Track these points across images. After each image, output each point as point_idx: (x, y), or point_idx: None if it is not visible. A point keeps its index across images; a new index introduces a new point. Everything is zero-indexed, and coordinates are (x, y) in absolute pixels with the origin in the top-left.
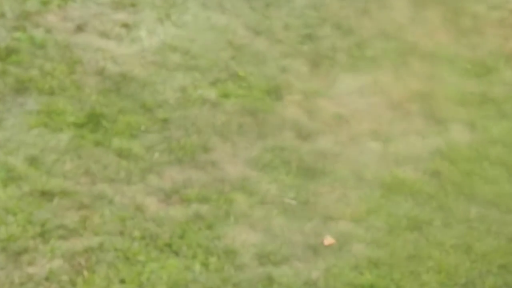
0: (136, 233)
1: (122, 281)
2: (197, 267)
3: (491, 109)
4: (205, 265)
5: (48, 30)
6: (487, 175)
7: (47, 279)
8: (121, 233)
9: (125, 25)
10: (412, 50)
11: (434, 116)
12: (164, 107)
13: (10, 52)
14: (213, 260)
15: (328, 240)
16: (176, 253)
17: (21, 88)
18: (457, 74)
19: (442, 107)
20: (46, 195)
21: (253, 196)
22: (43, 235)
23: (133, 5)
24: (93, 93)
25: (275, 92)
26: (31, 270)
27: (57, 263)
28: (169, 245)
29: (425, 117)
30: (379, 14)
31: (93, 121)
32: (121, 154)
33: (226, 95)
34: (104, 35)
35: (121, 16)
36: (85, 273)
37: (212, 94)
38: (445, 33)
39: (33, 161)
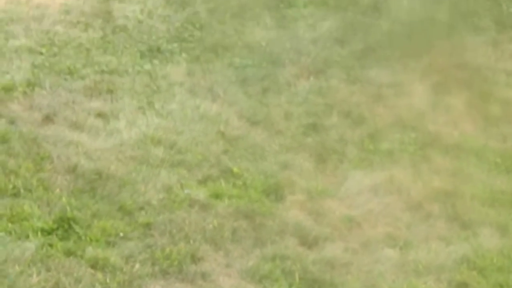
0: None
1: None
2: None
3: None
4: None
5: (12, 121)
6: None
7: None
8: None
9: (101, 115)
10: (434, 142)
11: (460, 219)
12: (146, 210)
13: None
14: None
15: None
16: None
17: None
18: (486, 170)
19: (469, 208)
20: None
21: None
22: None
23: (110, 91)
24: (64, 194)
25: (275, 192)
26: None
27: None
28: None
29: (449, 219)
30: (395, 101)
31: (63, 226)
32: (96, 265)
33: (218, 196)
34: (76, 126)
35: (96, 104)
36: None
37: (201, 194)
38: (471, 122)
39: None
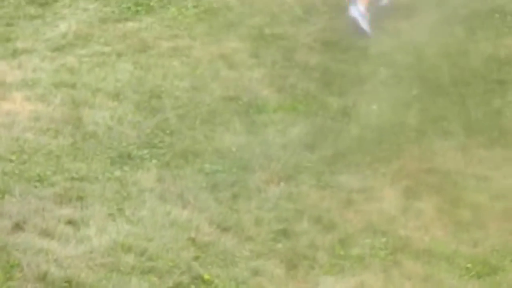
0: None
1: None
2: None
3: None
4: None
5: None
6: None
7: None
8: None
9: (71, 222)
10: (404, 246)
11: None
12: None
13: None
14: None
15: None
16: None
17: None
18: (457, 275)
19: None
20: None
21: None
22: None
23: (80, 198)
24: None
25: None
26: None
27: None
28: None
29: None
30: (365, 206)
31: None
32: None
33: None
34: (46, 234)
35: (66, 211)
36: None
37: None
38: (441, 227)
39: None
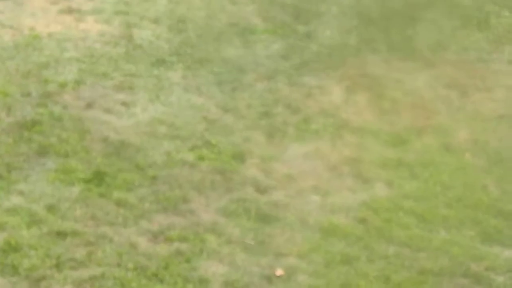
0: (130, 265)
1: None
2: None
3: (405, 171)
4: None
5: (65, 107)
6: (401, 222)
7: None
8: (119, 265)
9: (124, 103)
10: (345, 125)
11: (362, 176)
12: (153, 167)
13: (34, 123)
14: (189, 286)
15: (279, 272)
16: (161, 281)
17: (42, 152)
18: (379, 144)
19: (368, 169)
20: (61, 234)
21: (222, 237)
22: (58, 266)
23: (130, 88)
24: (99, 156)
25: (239, 157)
26: None
27: None
28: (155, 275)
29: (354, 177)
30: (320, 97)
31: (98, 177)
32: (120, 203)
33: (201, 158)
34: (108, 111)
35: (121, 96)
36: None
37: (190, 157)
38: (370, 112)
39: (51, 208)
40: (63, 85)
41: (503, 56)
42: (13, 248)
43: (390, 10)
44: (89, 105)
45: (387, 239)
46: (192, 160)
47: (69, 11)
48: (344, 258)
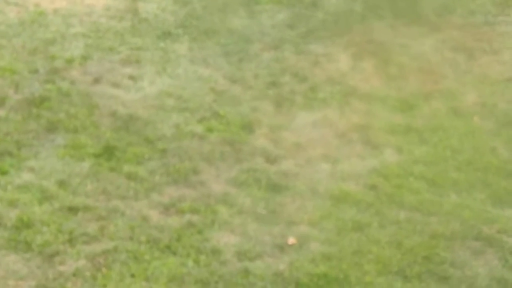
0: (143, 238)
1: (132, 276)
2: (190, 263)
3: (414, 136)
4: (196, 262)
5: (72, 82)
6: (412, 187)
7: (74, 275)
8: (131, 238)
9: (131, 77)
10: (353, 92)
11: (371, 143)
12: (163, 140)
13: (42, 100)
14: (202, 257)
15: (291, 240)
16: (174, 253)
17: (51, 127)
18: (387, 110)
19: (377, 136)
20: (72, 210)
21: (233, 207)
22: (71, 241)
23: (137, 61)
24: (108, 130)
25: (248, 127)
26: (61, 268)
27: (81, 262)
28: (168, 247)
29: (363, 143)
30: (327, 65)
31: (108, 152)
32: (130, 177)
33: (210, 130)
34: (115, 85)
35: (128, 70)
36: (104, 270)
37: (199, 129)
38: (377, 78)
39: (61, 183)
40: (70, 61)
41: (510, 18)
42: (25, 224)
43: None
44: (97, 80)
45: (398, 204)
46: (201, 132)
47: None
48: (356, 225)
